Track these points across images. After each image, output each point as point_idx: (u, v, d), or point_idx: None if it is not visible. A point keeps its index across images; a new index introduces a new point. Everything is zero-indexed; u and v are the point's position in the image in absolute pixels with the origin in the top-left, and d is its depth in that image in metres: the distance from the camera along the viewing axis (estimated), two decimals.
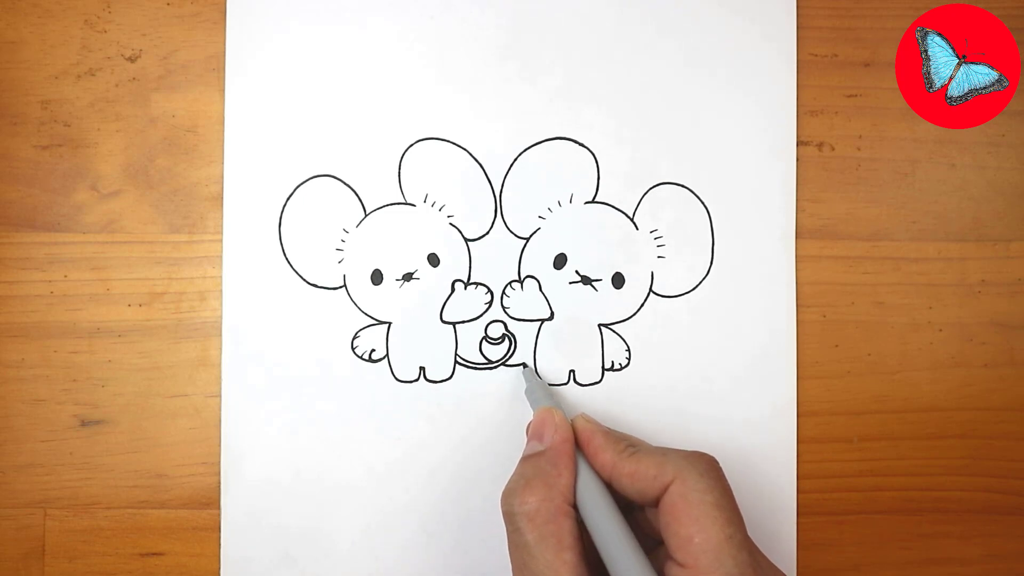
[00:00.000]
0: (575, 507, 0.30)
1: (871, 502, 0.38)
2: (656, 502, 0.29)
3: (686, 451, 0.30)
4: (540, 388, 0.35)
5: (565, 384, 0.37)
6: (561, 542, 0.28)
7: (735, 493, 0.31)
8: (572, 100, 0.38)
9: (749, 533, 0.29)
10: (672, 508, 0.28)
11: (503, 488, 0.31)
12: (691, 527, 0.28)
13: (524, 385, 0.36)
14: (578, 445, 0.31)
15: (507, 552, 0.30)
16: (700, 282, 0.38)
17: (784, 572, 0.30)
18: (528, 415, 0.36)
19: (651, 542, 0.31)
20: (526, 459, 0.31)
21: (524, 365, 0.37)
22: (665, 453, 0.30)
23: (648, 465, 0.29)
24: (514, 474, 0.31)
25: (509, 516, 0.30)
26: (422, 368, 0.37)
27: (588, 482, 0.30)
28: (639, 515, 0.31)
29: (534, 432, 0.32)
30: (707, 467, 0.29)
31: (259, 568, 0.36)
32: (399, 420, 0.37)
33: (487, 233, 0.37)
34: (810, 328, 0.38)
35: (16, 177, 0.37)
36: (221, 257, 0.37)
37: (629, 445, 0.31)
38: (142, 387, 0.37)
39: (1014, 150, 0.39)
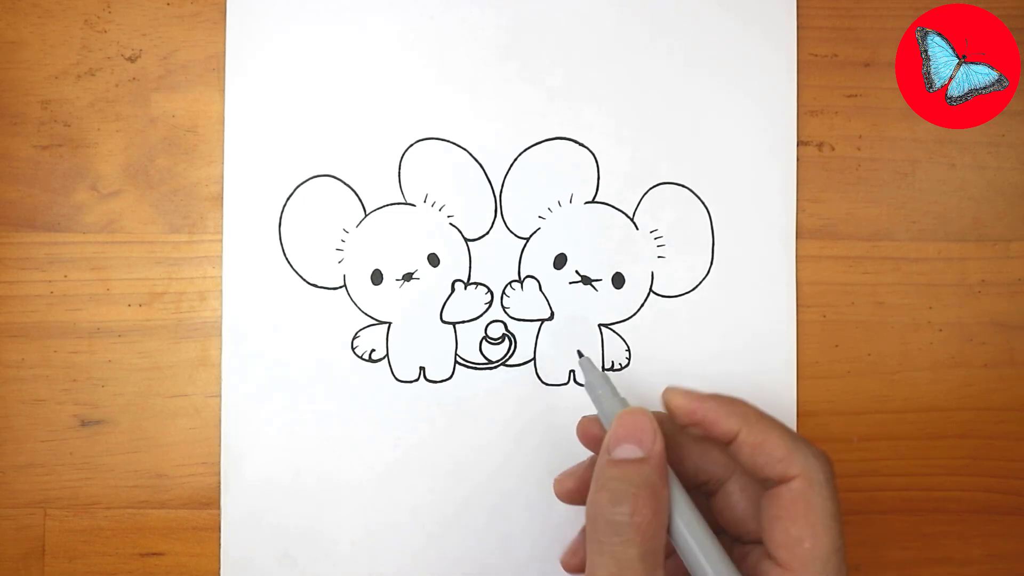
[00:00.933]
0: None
1: (871, 502, 0.38)
2: (765, 482, 0.28)
3: (813, 447, 0.29)
4: (605, 383, 0.32)
5: (565, 384, 0.37)
6: (658, 559, 0.27)
7: None
8: (572, 100, 0.38)
9: None
10: (790, 504, 0.27)
11: (592, 493, 0.28)
12: (805, 530, 0.27)
13: (527, 385, 0.36)
14: (677, 423, 0.30)
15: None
16: (700, 282, 0.38)
17: None
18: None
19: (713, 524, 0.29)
20: (626, 464, 0.28)
21: (580, 354, 0.36)
22: (795, 440, 0.28)
23: (777, 445, 0.28)
24: (611, 479, 0.28)
25: (614, 525, 0.27)
26: (422, 368, 0.37)
27: (680, 495, 0.28)
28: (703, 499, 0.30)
29: (630, 435, 0.29)
30: (831, 472, 0.28)
31: (259, 568, 0.36)
32: (399, 420, 0.37)
33: (487, 233, 0.37)
34: (810, 328, 0.38)
35: (16, 177, 0.37)
36: (221, 257, 0.37)
37: (752, 411, 0.29)
38: (142, 387, 0.37)
39: (1014, 150, 0.39)
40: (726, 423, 0.29)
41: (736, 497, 0.30)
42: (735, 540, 0.30)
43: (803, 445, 0.28)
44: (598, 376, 0.32)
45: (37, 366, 0.37)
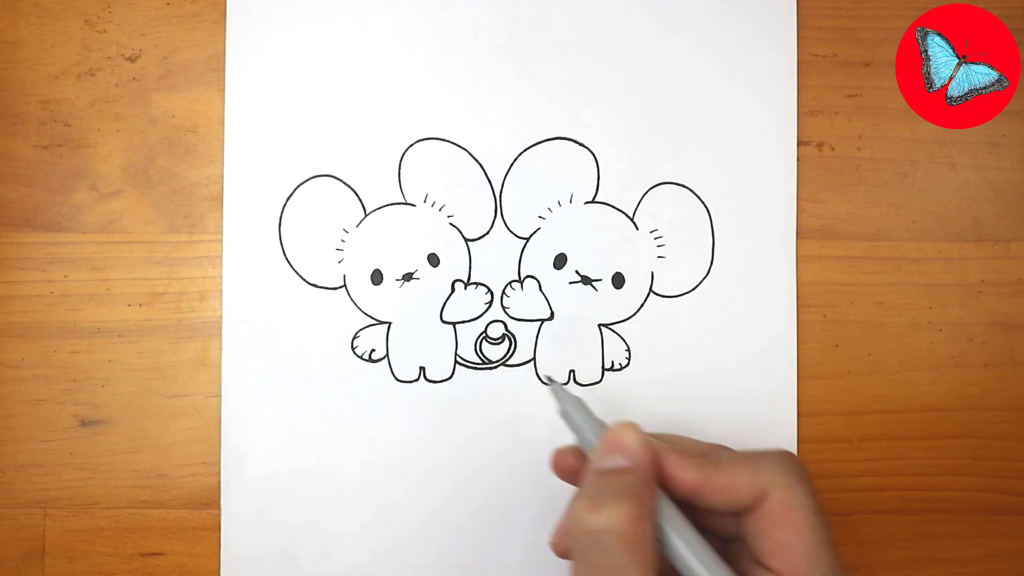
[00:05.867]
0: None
1: (871, 502, 0.38)
2: (746, 509, 0.28)
3: (770, 452, 0.29)
4: (579, 406, 0.31)
5: (565, 384, 0.37)
6: (648, 566, 0.26)
7: None
8: (572, 100, 0.38)
9: None
10: (771, 515, 0.27)
11: (573, 502, 0.28)
12: (790, 535, 0.27)
13: (527, 386, 0.36)
14: None
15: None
16: (700, 282, 0.38)
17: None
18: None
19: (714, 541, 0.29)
20: (608, 474, 0.28)
21: (550, 380, 0.33)
22: (753, 459, 0.28)
23: (739, 475, 0.28)
24: (593, 487, 0.28)
25: (593, 535, 0.26)
26: (422, 368, 0.37)
27: (668, 504, 0.28)
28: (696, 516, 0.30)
29: (614, 446, 0.28)
30: (800, 470, 0.28)
31: (259, 568, 0.36)
32: (399, 420, 0.37)
33: (487, 233, 0.37)
34: (810, 328, 0.38)
35: (16, 177, 0.37)
36: (221, 257, 0.37)
37: (705, 456, 0.29)
38: (142, 387, 0.37)
39: (1014, 150, 0.39)
40: (684, 474, 0.28)
41: None
42: (720, 539, 0.30)
43: (762, 458, 0.28)
44: (573, 401, 0.31)
45: (37, 366, 0.37)
